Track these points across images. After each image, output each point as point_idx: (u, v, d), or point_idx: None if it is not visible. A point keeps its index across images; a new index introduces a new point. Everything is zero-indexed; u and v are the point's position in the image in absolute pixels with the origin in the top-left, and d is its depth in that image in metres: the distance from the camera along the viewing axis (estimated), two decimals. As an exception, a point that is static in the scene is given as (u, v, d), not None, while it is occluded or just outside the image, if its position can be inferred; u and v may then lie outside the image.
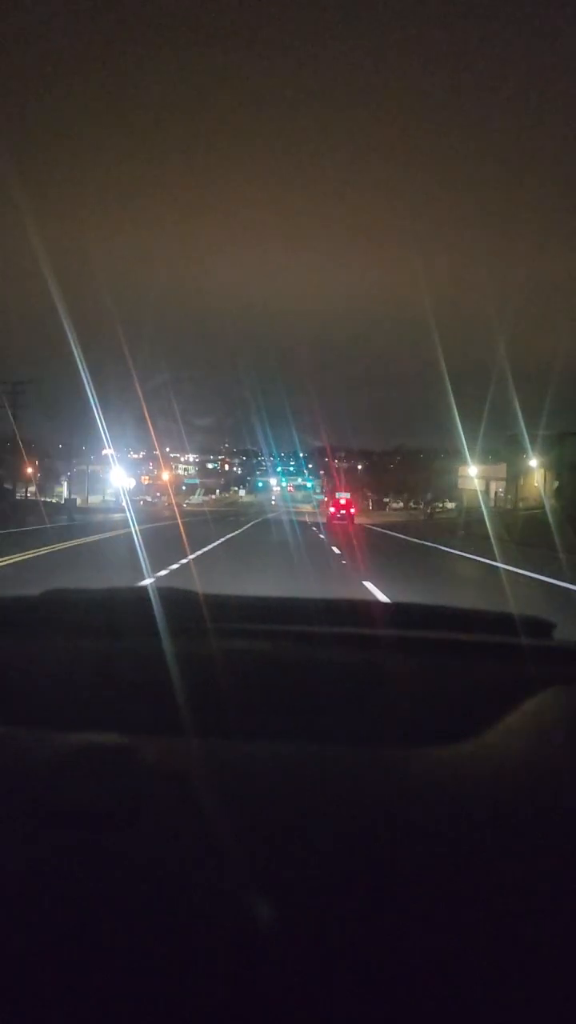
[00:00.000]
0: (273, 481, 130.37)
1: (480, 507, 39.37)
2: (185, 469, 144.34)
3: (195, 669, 0.96)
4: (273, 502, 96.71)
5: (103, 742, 0.69)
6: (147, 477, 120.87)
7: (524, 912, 0.47)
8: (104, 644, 1.00)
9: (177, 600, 1.19)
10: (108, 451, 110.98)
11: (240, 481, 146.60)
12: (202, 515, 44.01)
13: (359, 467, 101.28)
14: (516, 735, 0.77)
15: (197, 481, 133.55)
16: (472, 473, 56.24)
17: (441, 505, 67.57)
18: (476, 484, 53.39)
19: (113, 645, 1.00)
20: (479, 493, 49.42)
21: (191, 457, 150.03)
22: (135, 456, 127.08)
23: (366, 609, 1.19)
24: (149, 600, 1.13)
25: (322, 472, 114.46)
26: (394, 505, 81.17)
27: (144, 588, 1.19)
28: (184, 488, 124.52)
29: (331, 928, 0.44)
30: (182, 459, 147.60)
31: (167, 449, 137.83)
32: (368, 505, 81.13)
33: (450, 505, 70.39)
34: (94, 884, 0.44)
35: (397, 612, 1.26)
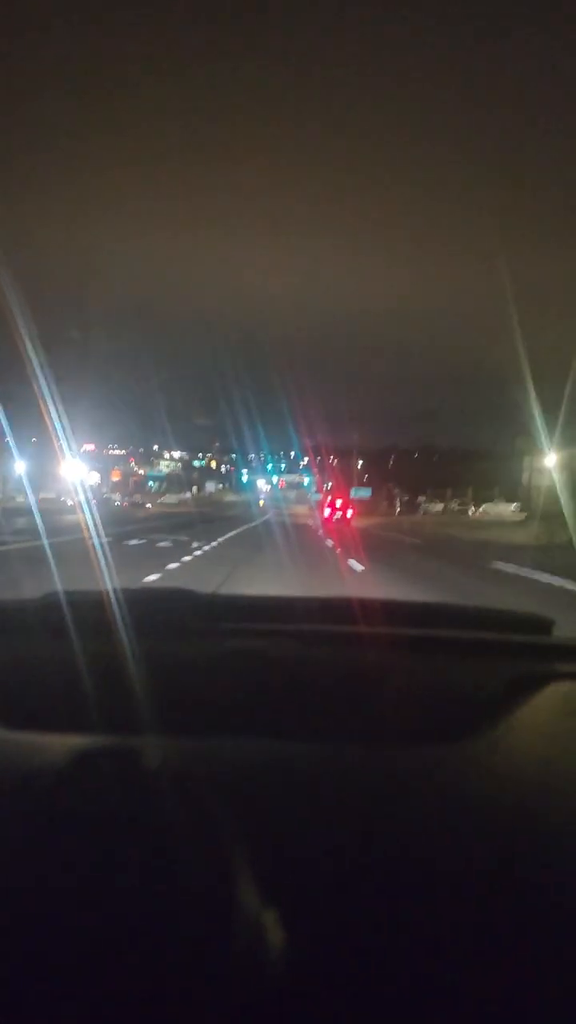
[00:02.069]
0: (262, 481, 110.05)
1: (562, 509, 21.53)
2: (168, 466, 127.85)
3: (196, 669, 0.97)
4: (262, 501, 79.26)
5: (104, 744, 0.69)
6: (118, 472, 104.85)
7: (527, 913, 0.46)
8: (106, 645, 1.00)
9: (178, 600, 1.19)
10: (89, 446, 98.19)
11: (226, 478, 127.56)
12: (151, 521, 28.32)
13: (359, 464, 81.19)
14: (516, 732, 0.77)
15: (163, 474, 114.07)
16: (550, 463, 37.05)
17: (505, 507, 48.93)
18: (555, 478, 34.52)
19: (114, 646, 1.00)
20: (562, 489, 30.49)
21: (176, 454, 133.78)
22: (118, 452, 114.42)
23: (365, 607, 1.17)
24: (150, 601, 1.15)
25: (316, 471, 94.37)
26: (433, 507, 60.71)
27: (146, 589, 1.24)
28: (151, 485, 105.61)
29: (333, 928, 0.44)
30: (167, 455, 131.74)
31: (155, 446, 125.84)
32: (396, 506, 61.20)
33: (509, 507, 51.16)
34: (96, 886, 0.44)
35: (397, 610, 1.24)
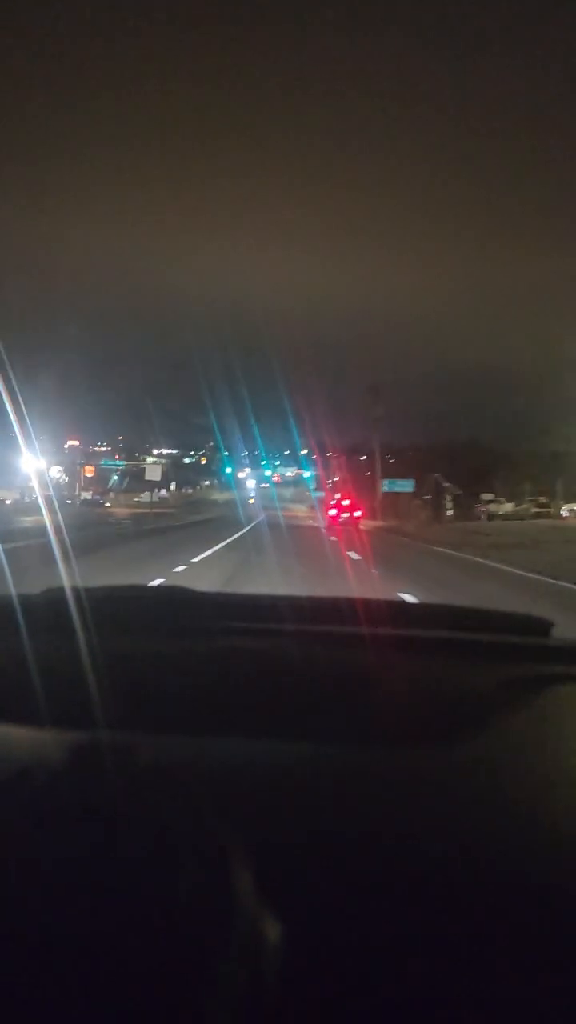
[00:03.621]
0: (252, 483, 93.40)
1: None
2: (154, 463, 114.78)
3: (196, 668, 0.98)
4: (252, 499, 64.08)
5: (100, 740, 0.69)
6: (91, 467, 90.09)
7: (529, 913, 0.46)
8: (106, 643, 1.00)
9: (179, 599, 1.21)
10: (74, 441, 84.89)
11: (215, 474, 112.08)
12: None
13: (362, 459, 63.45)
14: (515, 734, 0.78)
15: (122, 464, 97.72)
16: None
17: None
18: None
19: (115, 644, 1.01)
20: None
21: (165, 451, 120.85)
22: (103, 448, 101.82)
23: (366, 608, 1.18)
24: (151, 599, 1.17)
25: (319, 466, 76.89)
26: (501, 508, 42.70)
27: (147, 587, 1.24)
28: (113, 482, 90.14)
29: (331, 927, 0.44)
30: (155, 452, 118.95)
31: (146, 444, 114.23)
32: (445, 505, 42.64)
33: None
34: (91, 884, 0.45)
35: (397, 611, 1.25)
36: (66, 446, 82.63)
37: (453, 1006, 0.39)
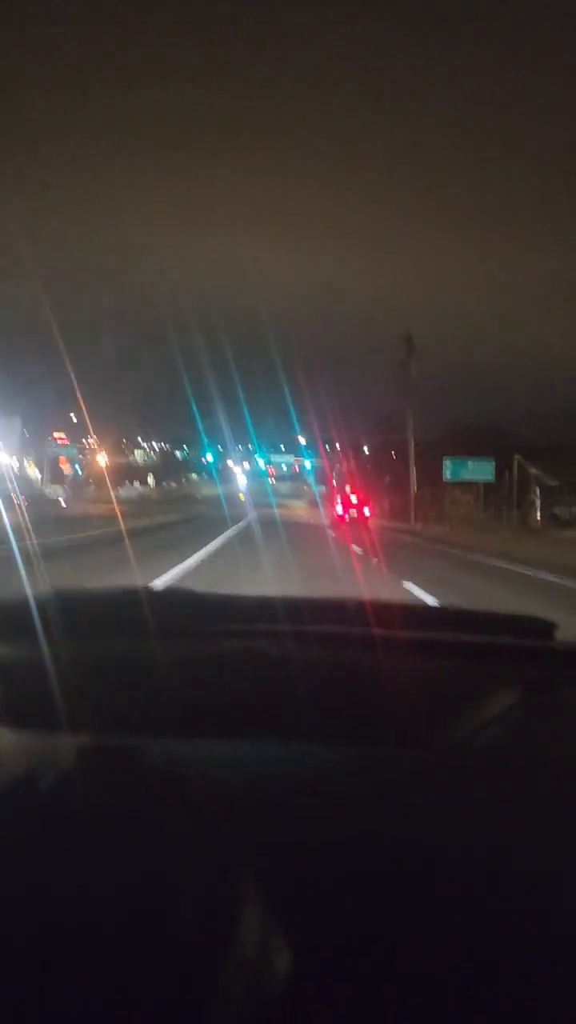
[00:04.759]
0: (242, 478, 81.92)
1: None
2: (144, 458, 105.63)
3: (196, 669, 0.97)
4: (242, 495, 54.23)
5: (105, 744, 0.69)
6: (65, 460, 79.82)
7: (530, 917, 0.46)
8: (106, 645, 1.00)
9: (179, 601, 1.22)
10: (60, 435, 76.94)
11: (204, 468, 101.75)
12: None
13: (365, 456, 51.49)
14: (517, 736, 0.78)
15: (74, 451, 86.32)
16: None
17: None
18: None
19: (115, 646, 1.01)
20: None
21: (156, 445, 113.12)
22: (91, 443, 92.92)
23: (367, 609, 1.16)
24: (151, 601, 1.17)
25: (324, 457, 65.21)
26: None
27: (146, 589, 1.20)
28: (74, 474, 79.96)
29: (334, 928, 0.44)
30: (145, 446, 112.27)
31: (138, 437, 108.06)
32: (535, 504, 27.74)
33: None
34: (95, 886, 0.44)
35: (399, 613, 1.25)
36: (50, 443, 74.91)
37: (456, 1007, 0.39)
